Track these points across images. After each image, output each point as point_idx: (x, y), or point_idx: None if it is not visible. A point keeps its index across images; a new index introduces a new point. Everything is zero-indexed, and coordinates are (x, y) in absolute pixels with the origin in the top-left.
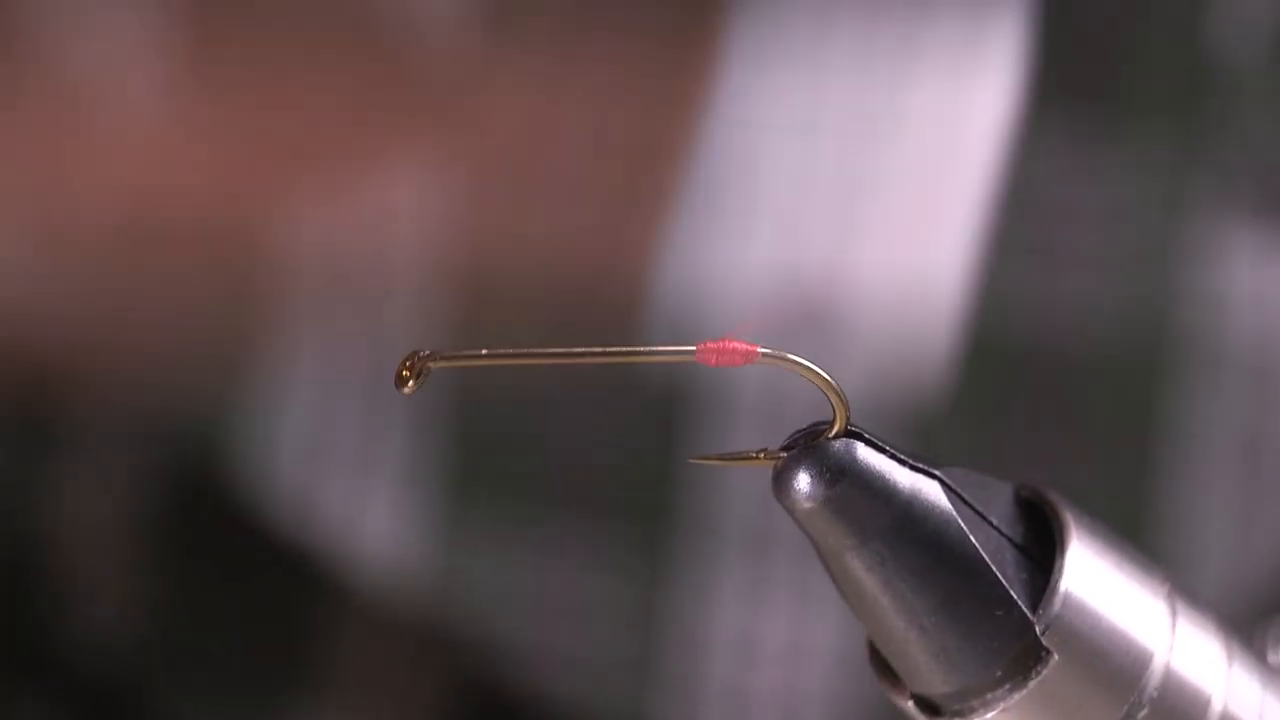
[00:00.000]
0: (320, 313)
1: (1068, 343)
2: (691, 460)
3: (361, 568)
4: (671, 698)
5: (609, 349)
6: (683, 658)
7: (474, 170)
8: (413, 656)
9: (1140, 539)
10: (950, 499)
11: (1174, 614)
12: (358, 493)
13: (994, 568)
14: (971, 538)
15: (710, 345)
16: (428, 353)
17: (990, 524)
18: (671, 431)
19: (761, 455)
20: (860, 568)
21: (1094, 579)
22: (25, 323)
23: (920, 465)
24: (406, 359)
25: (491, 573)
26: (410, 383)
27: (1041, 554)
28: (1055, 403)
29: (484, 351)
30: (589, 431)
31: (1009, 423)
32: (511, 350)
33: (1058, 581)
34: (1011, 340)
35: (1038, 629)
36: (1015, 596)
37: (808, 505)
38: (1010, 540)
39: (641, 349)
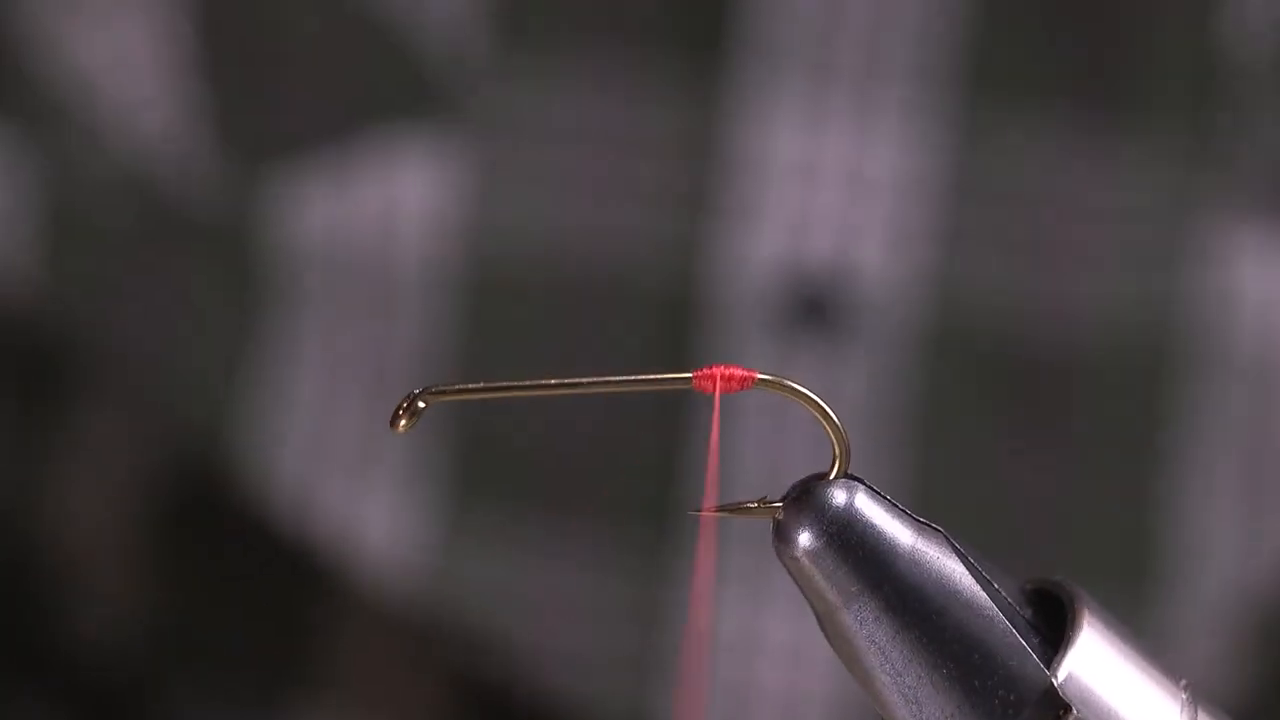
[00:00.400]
0: (322, 312)
1: (1074, 341)
2: (691, 514)
3: (361, 567)
4: (672, 696)
5: (604, 378)
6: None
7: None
8: (413, 656)
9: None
10: (955, 552)
11: (1193, 707)
12: (358, 492)
13: (1005, 617)
14: (979, 586)
15: (708, 371)
16: (420, 390)
17: (993, 586)
18: (672, 431)
19: (760, 504)
20: (868, 618)
21: (1106, 649)
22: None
23: (921, 518)
24: (403, 399)
25: (491, 572)
26: (402, 422)
27: (1050, 634)
28: (1061, 401)
29: (481, 384)
30: (589, 431)
31: (1014, 421)
32: (506, 384)
33: (1073, 636)
34: (1017, 338)
35: (1055, 680)
36: (1028, 647)
37: (811, 551)
38: (1014, 608)
39: (637, 377)
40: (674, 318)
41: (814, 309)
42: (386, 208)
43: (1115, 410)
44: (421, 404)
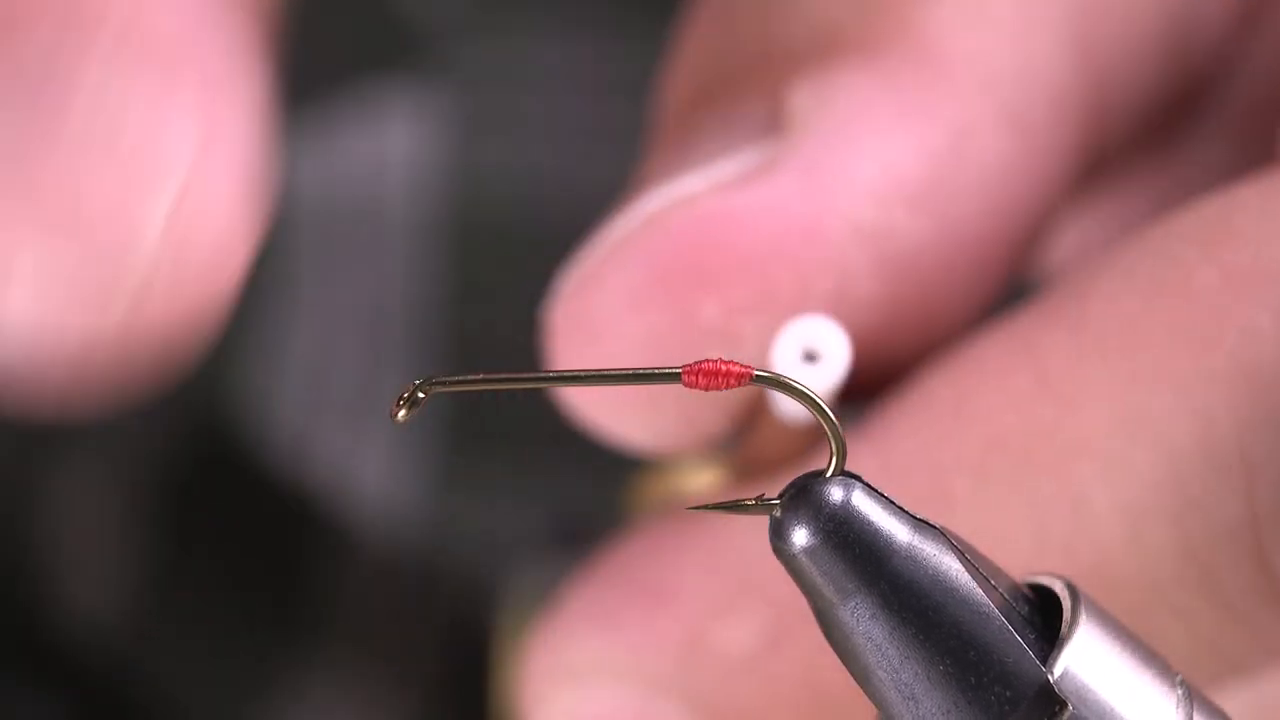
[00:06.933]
0: (315, 264)
1: None
2: (688, 509)
3: (359, 513)
4: None
5: (600, 371)
6: None
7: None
8: (410, 602)
9: None
10: (952, 549)
11: (1189, 702)
12: (355, 439)
13: (1001, 613)
14: (976, 583)
15: (699, 367)
16: (419, 381)
17: (990, 583)
18: None
19: (757, 501)
20: (865, 615)
21: (1102, 646)
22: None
23: (918, 516)
24: (403, 390)
25: (489, 517)
26: (401, 413)
27: (1047, 631)
28: None
29: (480, 375)
30: None
31: None
32: (505, 375)
33: (1069, 633)
34: None
35: (1051, 677)
36: (1024, 643)
37: (808, 548)
38: (1011, 604)
39: (627, 371)
40: None
41: None
42: (375, 160)
43: None
44: (421, 394)
